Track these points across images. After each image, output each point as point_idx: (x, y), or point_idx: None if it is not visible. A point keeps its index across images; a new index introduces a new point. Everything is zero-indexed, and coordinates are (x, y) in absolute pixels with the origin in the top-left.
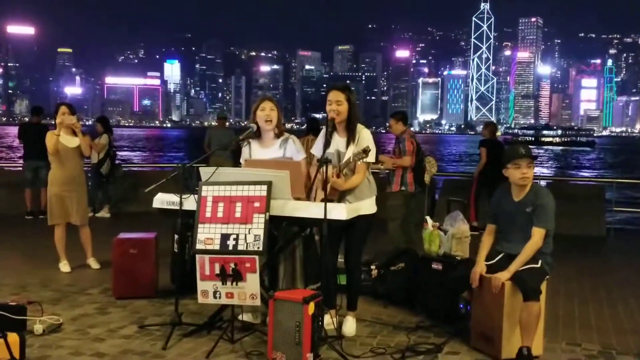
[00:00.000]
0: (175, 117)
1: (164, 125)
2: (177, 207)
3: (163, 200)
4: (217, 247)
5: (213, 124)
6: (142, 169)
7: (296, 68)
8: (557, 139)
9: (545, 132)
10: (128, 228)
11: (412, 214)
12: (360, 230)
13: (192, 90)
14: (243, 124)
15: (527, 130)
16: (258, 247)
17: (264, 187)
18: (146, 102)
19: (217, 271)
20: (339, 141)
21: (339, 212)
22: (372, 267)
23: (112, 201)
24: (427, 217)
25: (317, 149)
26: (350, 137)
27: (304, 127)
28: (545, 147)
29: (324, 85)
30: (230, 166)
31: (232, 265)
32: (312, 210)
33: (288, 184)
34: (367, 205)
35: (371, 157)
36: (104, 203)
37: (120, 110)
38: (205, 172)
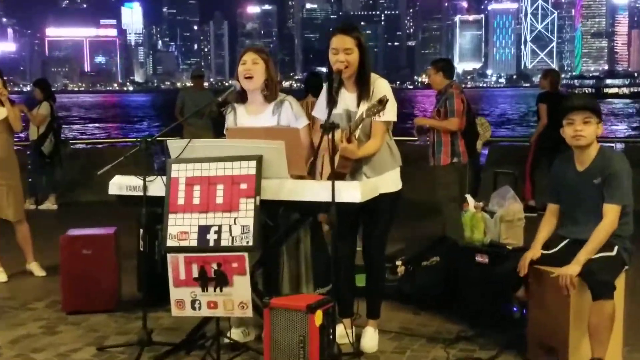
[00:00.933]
0: (138, 78)
1: (125, 88)
2: (141, 193)
3: (122, 184)
4: (193, 242)
5: (187, 84)
6: (96, 147)
7: (294, 8)
8: (626, 90)
9: (609, 81)
10: (80, 222)
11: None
12: (382, 214)
13: (160, 42)
14: (227, 84)
15: (586, 79)
16: (247, 242)
17: (253, 164)
18: (100, 59)
19: (195, 274)
20: (347, 98)
21: (353, 191)
22: (398, 262)
23: (59, 188)
24: (468, 196)
25: (319, 111)
26: (363, 91)
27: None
28: (611, 99)
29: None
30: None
31: (215, 265)
32: (316, 191)
33: (284, 158)
34: (390, 180)
35: (390, 114)
36: (49, 191)
37: (66, 71)
38: (175, 146)
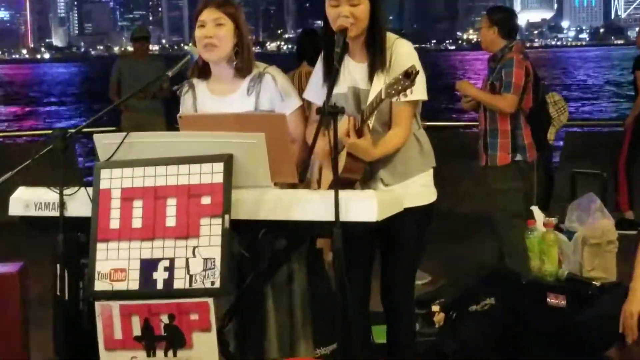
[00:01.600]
0: (57, 41)
1: (38, 56)
2: (56, 214)
3: (28, 201)
4: (134, 285)
5: (129, 49)
6: None
7: None
8: None
9: None
10: None
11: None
12: (408, 238)
13: None
14: (184, 50)
15: None
16: (213, 282)
17: (219, 167)
18: (1, 14)
19: (137, 331)
20: (355, 70)
21: (366, 206)
22: (435, 307)
23: None
24: (535, 209)
25: (314, 91)
26: (377, 59)
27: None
28: None
29: None
30: (161, 128)
31: (166, 318)
32: (313, 206)
33: (265, 158)
34: (419, 189)
35: (419, 91)
36: None
37: None
38: (105, 143)
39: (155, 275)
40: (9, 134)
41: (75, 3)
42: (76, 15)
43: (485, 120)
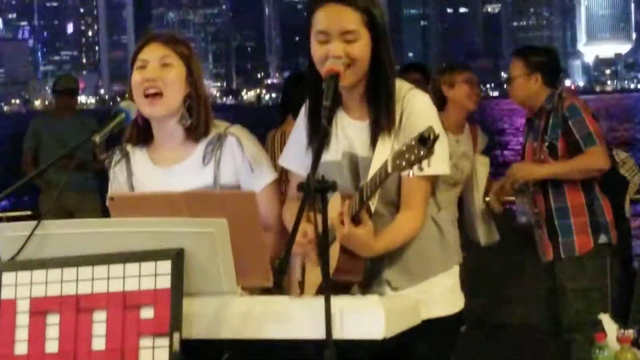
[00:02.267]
0: None
1: None
2: None
3: None
4: None
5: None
6: None
7: None
8: None
9: None
10: None
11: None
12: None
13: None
14: (121, 104)
15: None
16: None
17: (166, 266)
18: None
19: None
20: (352, 131)
21: (368, 320)
22: None
23: None
24: (605, 317)
25: (295, 156)
26: (381, 115)
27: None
28: None
29: None
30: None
31: None
32: (295, 320)
33: (228, 254)
34: (442, 294)
35: (439, 163)
36: None
37: None
38: (9, 235)
39: None
40: None
41: None
42: None
43: (547, 199)
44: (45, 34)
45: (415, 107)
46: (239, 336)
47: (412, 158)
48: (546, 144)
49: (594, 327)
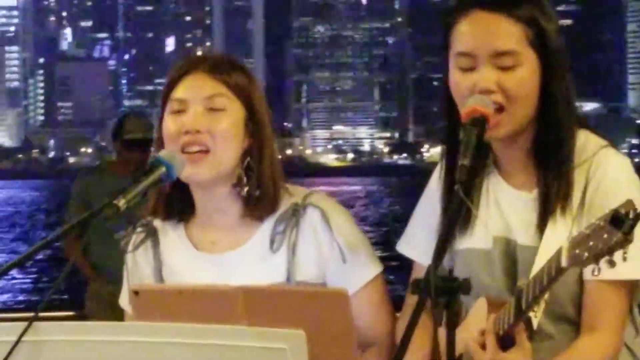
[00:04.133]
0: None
1: None
2: None
3: None
4: None
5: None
6: None
7: None
8: None
9: None
10: None
11: None
12: None
13: (69, 30)
14: (160, 154)
15: None
16: None
17: None
18: None
19: None
20: (511, 205)
21: None
22: None
23: None
24: None
25: (419, 239)
26: (554, 185)
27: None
28: None
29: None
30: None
31: None
32: None
33: None
34: None
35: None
36: None
37: None
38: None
39: None
40: None
41: (42, 61)
42: (41, 84)
43: None
44: (133, 52)
45: (610, 173)
46: None
47: (600, 246)
48: None
49: None
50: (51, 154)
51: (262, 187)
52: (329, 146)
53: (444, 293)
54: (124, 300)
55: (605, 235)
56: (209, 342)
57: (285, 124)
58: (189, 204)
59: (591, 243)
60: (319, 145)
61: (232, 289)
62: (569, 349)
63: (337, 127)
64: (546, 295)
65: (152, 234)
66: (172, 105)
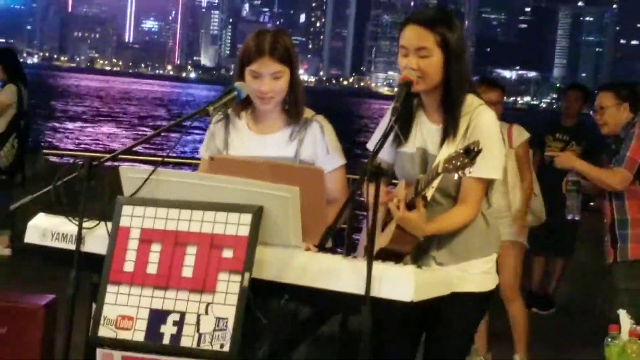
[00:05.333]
0: (206, 60)
1: (184, 74)
2: (71, 247)
3: (45, 229)
4: (139, 336)
5: None
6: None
7: None
8: None
9: None
10: (37, 283)
11: None
12: (457, 328)
13: (246, 6)
14: (235, 85)
15: None
16: (222, 345)
17: (247, 219)
18: (150, 24)
19: None
20: (428, 132)
21: (401, 284)
22: None
23: (15, 224)
24: (621, 312)
25: (373, 141)
26: (449, 123)
27: None
28: None
29: (526, 10)
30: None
31: None
32: (343, 276)
33: (297, 216)
34: (479, 275)
35: (487, 168)
36: (2, 227)
37: (96, 40)
38: (131, 176)
39: (162, 328)
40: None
41: (230, 21)
42: (229, 34)
43: (612, 211)
44: (281, 20)
45: (480, 122)
46: (298, 282)
47: (458, 164)
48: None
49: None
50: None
51: (294, 108)
52: (384, 82)
53: (376, 174)
54: (202, 150)
55: (462, 159)
56: (247, 188)
57: (362, 68)
58: (250, 102)
59: (454, 162)
60: (379, 81)
61: (263, 162)
62: (447, 213)
63: (390, 73)
64: (435, 182)
65: (226, 117)
66: (252, 73)
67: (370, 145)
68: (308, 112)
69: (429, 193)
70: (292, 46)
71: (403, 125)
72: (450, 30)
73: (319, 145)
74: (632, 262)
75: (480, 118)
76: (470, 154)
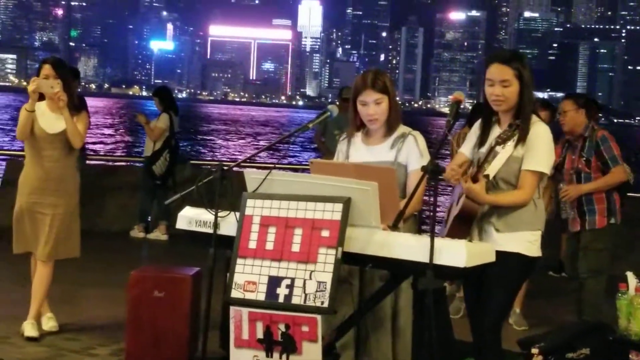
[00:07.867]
0: (310, 91)
1: (294, 102)
2: (210, 230)
3: (191, 218)
4: (261, 296)
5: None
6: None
7: (509, 16)
8: None
9: None
10: (191, 259)
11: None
12: (502, 280)
13: (339, 50)
14: (329, 107)
15: None
16: (322, 302)
17: (339, 207)
18: (268, 65)
19: (260, 334)
20: (495, 135)
21: (456, 254)
22: (534, 350)
23: (170, 216)
24: (629, 274)
25: (466, 147)
26: (517, 130)
27: None
28: None
29: (554, 45)
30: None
31: (282, 327)
32: (412, 248)
33: (376, 204)
34: (525, 242)
35: (541, 163)
36: (161, 218)
37: (228, 78)
38: (253, 177)
39: (278, 290)
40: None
41: (328, 61)
42: (327, 71)
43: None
44: (366, 59)
45: (536, 130)
46: (378, 254)
47: (504, 136)
48: (583, 158)
49: (600, 275)
50: None
51: (393, 122)
52: (446, 104)
53: (434, 172)
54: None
55: (507, 132)
56: (338, 184)
57: (428, 93)
58: (361, 123)
59: (502, 135)
60: (441, 103)
61: (350, 165)
62: (506, 192)
63: (450, 97)
64: (490, 156)
65: (349, 135)
66: (361, 101)
67: (463, 148)
68: (406, 129)
69: (487, 167)
70: (389, 80)
71: (483, 133)
72: (523, 66)
73: (413, 152)
74: (598, 230)
75: (536, 127)
76: (512, 126)
